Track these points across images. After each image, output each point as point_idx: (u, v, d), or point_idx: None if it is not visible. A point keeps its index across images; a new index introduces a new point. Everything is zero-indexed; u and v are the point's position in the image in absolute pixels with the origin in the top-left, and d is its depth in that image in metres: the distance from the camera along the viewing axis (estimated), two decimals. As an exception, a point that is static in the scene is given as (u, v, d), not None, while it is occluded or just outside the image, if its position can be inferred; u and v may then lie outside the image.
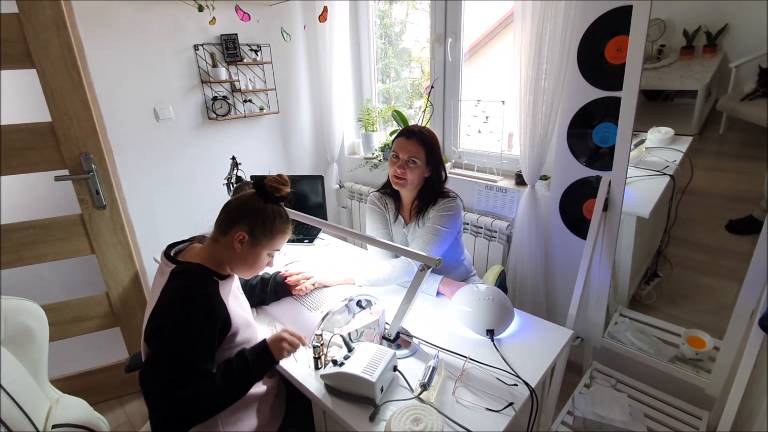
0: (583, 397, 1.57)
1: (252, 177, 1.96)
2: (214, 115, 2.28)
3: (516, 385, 0.99)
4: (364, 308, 1.27)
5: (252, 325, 1.10)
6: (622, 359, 1.61)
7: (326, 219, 2.01)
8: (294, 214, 1.23)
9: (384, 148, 2.50)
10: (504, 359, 1.07)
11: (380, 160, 2.51)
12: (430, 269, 1.02)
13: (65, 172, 1.66)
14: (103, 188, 1.72)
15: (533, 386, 0.98)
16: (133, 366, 1.32)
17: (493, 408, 0.93)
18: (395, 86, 2.78)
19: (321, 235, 1.94)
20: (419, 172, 1.40)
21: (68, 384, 1.87)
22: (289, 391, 1.18)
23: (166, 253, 1.04)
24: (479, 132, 2.09)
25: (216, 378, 0.91)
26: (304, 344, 1.07)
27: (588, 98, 1.62)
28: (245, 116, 2.40)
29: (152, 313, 0.92)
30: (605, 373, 1.66)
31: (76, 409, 1.14)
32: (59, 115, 1.60)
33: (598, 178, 1.47)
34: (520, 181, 1.95)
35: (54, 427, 1.00)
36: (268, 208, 1.03)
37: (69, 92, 1.60)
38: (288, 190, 1.05)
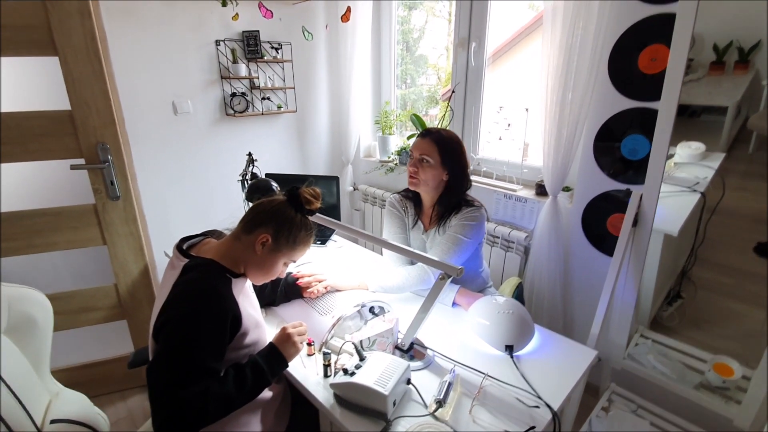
0: (600, 421, 1.49)
1: (267, 175, 1.94)
2: (232, 112, 2.27)
3: (538, 407, 0.93)
4: (376, 315, 1.22)
5: (261, 326, 1.06)
6: (642, 383, 1.53)
7: (340, 221, 1.97)
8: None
9: (401, 152, 2.45)
10: (524, 378, 1.01)
11: (396, 164, 2.47)
12: (450, 279, 0.97)
13: (81, 161, 1.65)
14: (118, 179, 1.70)
15: (556, 409, 0.92)
16: (137, 362, 1.29)
17: (513, 431, 0.87)
18: (410, 93, 2.75)
19: (334, 237, 1.90)
20: (433, 173, 1.35)
21: (71, 375, 1.85)
22: (296, 397, 1.14)
23: (179, 247, 1.00)
24: (500, 139, 2.03)
25: (227, 381, 0.88)
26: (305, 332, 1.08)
27: (618, 108, 1.56)
28: (263, 114, 2.38)
29: (162, 307, 0.88)
30: (625, 397, 1.58)
31: (76, 403, 1.11)
32: (78, 104, 1.59)
33: (628, 192, 1.40)
34: (541, 191, 1.88)
35: (53, 422, 0.96)
36: (297, 217, 1.02)
37: (89, 81, 1.59)
38: (319, 205, 1.05)
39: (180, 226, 2.22)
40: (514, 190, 1.95)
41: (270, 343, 1.02)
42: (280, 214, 1.01)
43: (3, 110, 1.54)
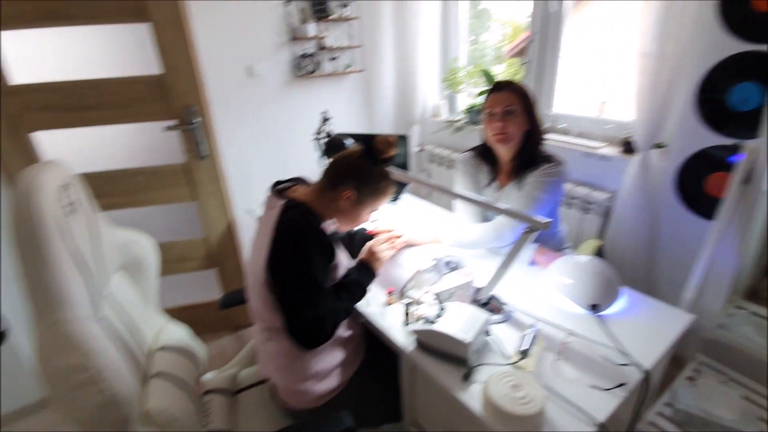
0: (685, 390, 1.42)
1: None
2: (302, 73, 2.30)
3: (628, 365, 0.90)
4: (452, 270, 1.23)
5: (347, 266, 1.15)
6: (733, 354, 1.43)
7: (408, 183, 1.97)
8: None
9: (469, 110, 2.36)
10: (613, 337, 0.98)
11: (465, 123, 2.39)
12: (537, 233, 0.95)
13: (171, 123, 1.78)
14: (204, 140, 1.83)
15: (648, 369, 0.89)
16: (227, 303, 1.42)
17: (600, 386, 0.86)
18: (473, 50, 2.60)
19: (404, 194, 1.92)
20: (519, 123, 1.29)
21: (172, 315, 2.08)
22: (375, 343, 1.19)
23: (273, 189, 1.09)
24: (581, 93, 1.88)
25: (341, 296, 1.04)
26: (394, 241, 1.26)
27: (727, 53, 1.37)
28: (331, 74, 2.39)
29: (272, 243, 0.98)
30: (713, 368, 1.48)
31: (180, 334, 1.26)
32: (169, 68, 1.70)
33: (735, 147, 1.25)
34: (627, 148, 1.74)
35: (160, 349, 1.11)
36: (375, 170, 1.08)
37: (178, 47, 1.68)
38: (395, 151, 1.08)
39: (257, 185, 2.34)
40: (596, 148, 1.82)
41: (359, 260, 1.17)
42: (360, 169, 1.07)
43: (105, 76, 1.69)
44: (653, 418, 1.37)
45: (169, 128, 1.76)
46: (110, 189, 1.81)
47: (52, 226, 0.76)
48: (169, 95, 1.74)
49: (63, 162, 0.91)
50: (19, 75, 1.63)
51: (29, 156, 1.69)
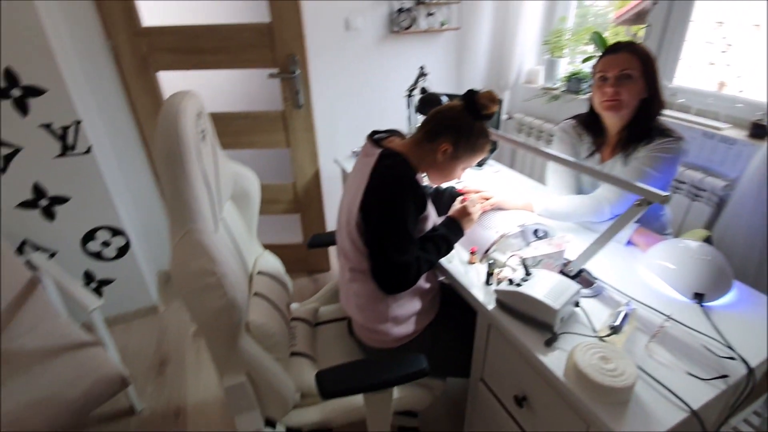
0: (784, 402, 1.30)
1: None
2: (397, 28, 2.27)
3: (733, 359, 0.84)
4: (539, 238, 1.21)
5: (435, 220, 1.17)
6: None
7: (496, 149, 1.91)
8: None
9: (570, 78, 2.20)
10: (717, 329, 0.91)
11: (563, 92, 2.23)
12: (647, 206, 0.88)
13: (274, 71, 1.87)
14: (302, 89, 1.90)
15: (753, 367, 0.82)
16: (313, 244, 1.53)
17: (698, 374, 0.81)
18: (575, 15, 2.35)
19: (490, 161, 1.87)
20: (636, 89, 1.17)
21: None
22: (451, 297, 1.22)
23: (370, 138, 1.12)
24: (712, 64, 1.66)
25: (427, 247, 1.07)
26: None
27: None
28: (425, 31, 2.33)
29: (367, 189, 1.02)
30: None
31: (275, 263, 1.39)
32: (276, 17, 1.77)
33: None
34: (757, 132, 1.52)
35: (259, 273, 1.24)
36: (475, 126, 1.06)
37: (286, -6, 1.74)
38: (495, 109, 1.05)
39: (342, 136, 2.41)
40: (719, 129, 1.61)
41: (448, 216, 1.18)
42: (460, 123, 1.06)
43: (219, 22, 1.80)
44: (738, 423, 1.29)
45: (272, 76, 1.86)
46: (219, 129, 1.97)
47: (192, 148, 0.86)
48: (275, 44, 1.82)
49: (197, 93, 1.01)
50: (149, 17, 1.80)
51: (154, 94, 1.88)
